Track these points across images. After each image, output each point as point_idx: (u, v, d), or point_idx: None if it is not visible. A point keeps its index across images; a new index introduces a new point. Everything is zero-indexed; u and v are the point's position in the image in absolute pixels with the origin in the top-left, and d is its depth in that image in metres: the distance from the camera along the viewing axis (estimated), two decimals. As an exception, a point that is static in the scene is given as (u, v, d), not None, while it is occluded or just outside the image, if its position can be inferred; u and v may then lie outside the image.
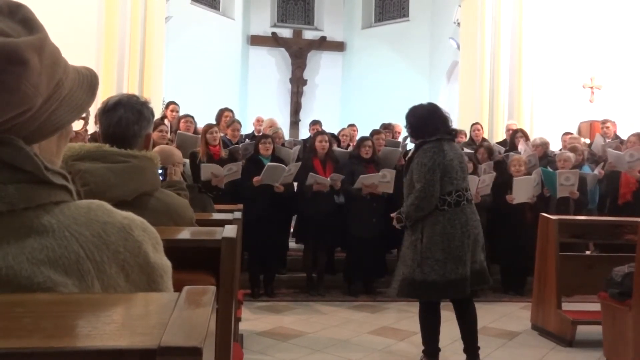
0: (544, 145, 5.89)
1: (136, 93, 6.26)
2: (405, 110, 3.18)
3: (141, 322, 0.56)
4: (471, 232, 2.97)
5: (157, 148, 2.56)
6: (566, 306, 4.02)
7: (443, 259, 2.90)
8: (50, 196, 0.67)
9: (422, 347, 3.20)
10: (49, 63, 0.66)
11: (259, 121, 7.19)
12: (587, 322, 3.82)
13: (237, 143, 5.75)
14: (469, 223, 2.97)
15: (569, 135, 6.66)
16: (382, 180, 4.89)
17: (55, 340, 0.50)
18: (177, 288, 0.68)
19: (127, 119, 1.61)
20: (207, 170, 4.61)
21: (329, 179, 4.91)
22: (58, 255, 0.64)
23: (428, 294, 2.98)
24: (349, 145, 6.24)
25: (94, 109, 1.37)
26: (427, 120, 3.05)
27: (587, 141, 7.34)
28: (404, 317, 4.35)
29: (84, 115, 0.78)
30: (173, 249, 0.97)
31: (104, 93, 6.19)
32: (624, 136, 6.64)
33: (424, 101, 3.29)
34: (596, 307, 3.69)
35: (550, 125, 7.73)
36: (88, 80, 0.74)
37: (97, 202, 0.72)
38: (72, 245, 0.65)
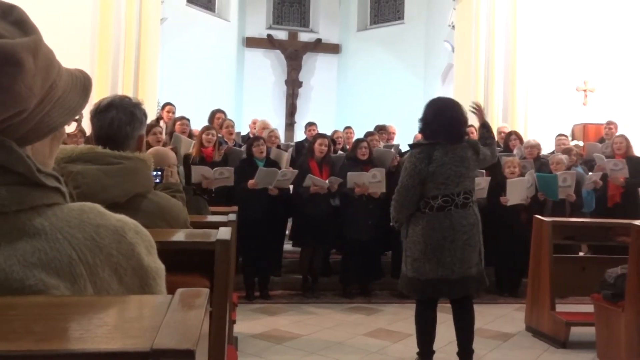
0: (537, 147, 5.93)
1: (131, 95, 6.25)
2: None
3: (134, 324, 0.56)
4: (457, 237, 2.93)
5: (151, 150, 2.55)
6: (560, 308, 4.04)
7: (421, 258, 2.96)
8: (42, 198, 0.67)
9: (417, 349, 3.20)
10: (43, 65, 0.66)
11: (254, 123, 7.18)
12: (580, 324, 3.84)
13: (234, 144, 5.74)
14: (455, 227, 2.93)
15: (562, 137, 6.69)
16: (373, 181, 4.88)
17: (46, 343, 0.50)
18: (171, 290, 0.68)
19: (120, 120, 1.61)
20: (198, 172, 4.61)
21: (327, 181, 4.92)
22: (50, 258, 0.63)
23: (409, 289, 3.09)
24: (343, 147, 6.26)
25: (87, 111, 1.36)
26: (432, 121, 3.05)
27: (580, 143, 7.37)
28: (399, 319, 4.35)
29: (77, 117, 0.78)
30: (167, 251, 0.97)
31: (99, 94, 6.16)
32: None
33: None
34: (589, 308, 3.70)
35: (544, 127, 7.77)
36: (81, 83, 0.74)
37: (90, 205, 0.72)
38: (64, 248, 0.65)
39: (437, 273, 2.93)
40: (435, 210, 2.95)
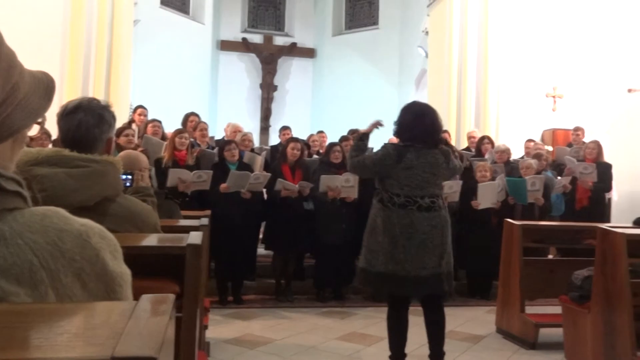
0: (507, 151, 6.04)
1: (102, 97, 6.13)
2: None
3: (95, 332, 0.55)
4: (415, 236, 2.92)
5: (122, 153, 2.51)
6: (529, 309, 4.11)
7: (376, 250, 2.96)
8: (2, 203, 0.65)
9: (389, 353, 3.22)
10: (5, 66, 0.64)
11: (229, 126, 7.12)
12: (549, 325, 3.91)
13: (207, 147, 5.69)
14: (415, 226, 2.93)
15: (532, 142, 6.84)
16: (346, 185, 4.90)
17: (3, 352, 0.48)
18: (140, 296, 0.67)
19: (87, 122, 1.58)
20: (175, 175, 4.51)
21: (297, 185, 4.91)
22: (10, 264, 0.62)
23: (361, 280, 3.12)
24: (318, 151, 6.27)
25: (53, 113, 1.33)
26: (411, 125, 3.05)
27: (550, 148, 7.54)
28: (373, 322, 4.37)
29: (40, 120, 0.77)
30: (137, 256, 0.95)
31: (69, 96, 6.04)
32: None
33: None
34: (558, 310, 3.78)
35: (515, 132, 7.93)
36: (44, 85, 0.72)
37: (53, 209, 0.71)
38: (25, 254, 0.63)
39: (388, 267, 2.90)
40: (398, 207, 2.95)
